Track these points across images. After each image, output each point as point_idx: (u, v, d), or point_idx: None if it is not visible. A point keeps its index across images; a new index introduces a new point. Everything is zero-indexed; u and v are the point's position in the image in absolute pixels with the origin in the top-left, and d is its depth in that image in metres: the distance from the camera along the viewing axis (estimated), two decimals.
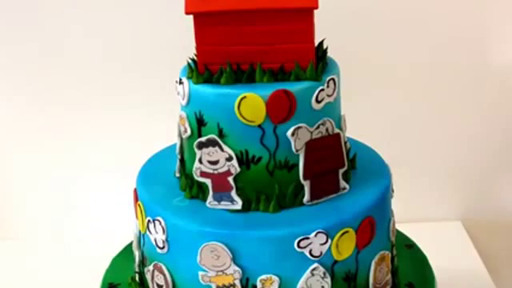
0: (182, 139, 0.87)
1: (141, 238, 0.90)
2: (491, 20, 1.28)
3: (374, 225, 0.83)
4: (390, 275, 0.88)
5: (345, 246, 0.80)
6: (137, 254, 0.93)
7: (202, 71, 0.81)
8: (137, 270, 0.94)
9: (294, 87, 0.79)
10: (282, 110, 0.79)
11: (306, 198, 0.82)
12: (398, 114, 1.35)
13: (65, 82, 1.33)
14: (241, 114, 0.78)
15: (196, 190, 0.84)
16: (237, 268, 0.78)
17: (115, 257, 1.02)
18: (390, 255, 0.88)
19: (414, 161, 1.39)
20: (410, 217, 1.24)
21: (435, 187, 1.43)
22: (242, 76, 0.80)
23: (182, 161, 0.89)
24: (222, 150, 0.80)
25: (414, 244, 1.02)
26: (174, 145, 0.96)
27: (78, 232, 1.44)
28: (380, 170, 0.90)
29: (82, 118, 1.36)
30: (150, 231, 0.84)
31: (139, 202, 0.87)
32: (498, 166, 1.41)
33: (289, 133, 0.79)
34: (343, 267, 0.81)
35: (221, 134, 0.80)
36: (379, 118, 1.33)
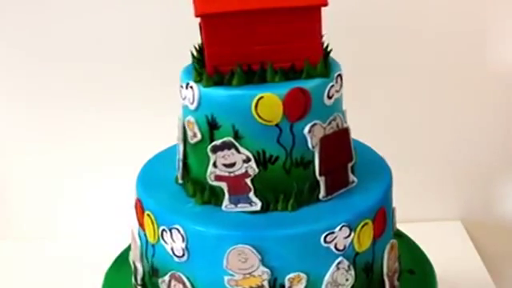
0: (186, 144, 0.86)
1: (148, 249, 0.87)
2: (491, 19, 1.30)
3: (385, 215, 0.85)
4: (397, 263, 0.91)
5: (365, 238, 0.82)
6: (139, 266, 0.90)
7: (212, 74, 0.80)
8: (139, 282, 0.91)
9: (308, 84, 0.79)
10: (298, 108, 0.79)
11: (322, 193, 0.82)
12: (398, 113, 1.36)
13: (64, 82, 1.33)
14: (258, 115, 0.78)
15: (208, 195, 0.83)
16: (265, 269, 0.78)
17: (108, 270, 0.99)
18: (396, 243, 0.90)
19: (414, 161, 1.39)
20: (410, 217, 1.22)
21: (435, 187, 1.43)
22: (254, 76, 0.80)
23: (185, 166, 0.87)
24: (238, 152, 0.79)
25: (402, 234, 1.04)
26: (169, 149, 0.95)
27: (77, 232, 1.43)
28: (378, 163, 0.91)
29: (81, 117, 1.35)
30: (164, 241, 0.82)
31: (148, 212, 0.84)
32: (498, 165, 1.42)
33: (306, 130, 0.79)
34: (363, 258, 0.83)
35: (236, 136, 0.79)
36: (379, 118, 1.33)
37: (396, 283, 0.89)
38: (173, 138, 0.90)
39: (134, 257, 0.91)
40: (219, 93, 0.79)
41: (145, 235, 0.87)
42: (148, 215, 0.84)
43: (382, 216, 0.85)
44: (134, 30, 1.29)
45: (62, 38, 1.30)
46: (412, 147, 1.39)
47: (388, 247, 0.87)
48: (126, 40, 1.30)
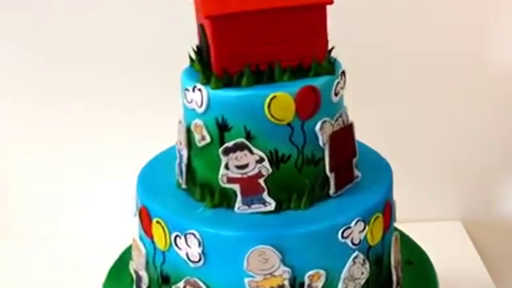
0: (190, 149, 0.85)
1: (156, 256, 0.85)
2: (491, 20, 1.31)
3: (391, 207, 0.87)
4: (400, 254, 0.92)
5: (377, 231, 0.83)
6: (144, 274, 0.88)
7: (220, 75, 0.79)
8: None
9: (317, 82, 0.80)
10: (309, 106, 0.79)
11: (332, 189, 0.83)
12: (398, 113, 1.36)
13: (64, 82, 1.33)
14: (271, 114, 0.78)
15: (218, 198, 0.82)
16: (286, 268, 0.78)
17: (105, 282, 0.96)
18: (399, 236, 0.92)
19: (414, 161, 1.39)
20: (410, 217, 1.20)
21: (435, 187, 1.44)
22: (262, 76, 0.80)
23: (189, 171, 0.86)
24: (251, 152, 0.79)
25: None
26: (163, 154, 0.96)
27: (77, 232, 1.44)
28: (376, 159, 0.93)
29: (81, 118, 1.36)
30: (178, 247, 0.81)
31: (157, 220, 0.83)
32: (497, 165, 1.42)
33: (317, 128, 0.80)
34: (375, 251, 0.84)
35: (248, 137, 0.79)
36: (379, 118, 1.33)
37: (400, 274, 0.91)
38: (173, 139, 0.89)
39: (138, 265, 0.90)
40: (230, 94, 0.79)
41: (152, 243, 0.85)
42: (158, 222, 0.83)
43: (389, 209, 0.86)
44: (134, 31, 1.30)
45: (63, 39, 1.30)
46: (412, 147, 1.39)
47: (393, 239, 0.89)
48: (126, 41, 1.31)
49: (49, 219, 1.45)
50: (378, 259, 0.85)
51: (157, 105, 1.27)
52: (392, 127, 1.37)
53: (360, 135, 0.89)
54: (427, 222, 1.41)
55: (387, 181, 0.88)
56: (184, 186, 0.87)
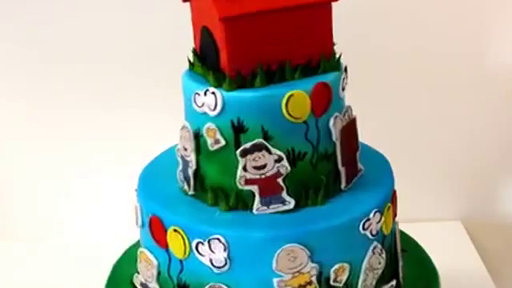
0: (198, 153, 0.83)
1: (172, 266, 0.83)
2: (491, 21, 1.31)
3: (396, 197, 0.90)
4: (401, 242, 0.95)
5: (389, 220, 0.86)
6: (155, 286, 0.86)
7: (233, 77, 0.79)
8: None
9: (328, 78, 0.81)
10: (323, 102, 0.80)
11: (344, 183, 0.85)
12: (398, 113, 1.35)
13: (65, 82, 1.33)
14: (288, 113, 0.78)
15: (234, 201, 0.82)
16: (313, 264, 0.78)
17: None
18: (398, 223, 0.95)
19: (414, 161, 1.38)
20: (410, 217, 1.17)
21: (435, 187, 1.43)
22: (274, 76, 0.80)
23: (196, 176, 0.84)
24: (269, 152, 0.79)
25: None
26: (159, 158, 0.94)
27: (78, 232, 1.44)
28: (374, 154, 0.95)
29: (82, 117, 1.36)
30: (200, 253, 0.79)
31: (174, 228, 0.81)
32: (498, 166, 1.42)
33: (331, 123, 0.81)
34: (387, 241, 0.87)
35: (266, 137, 0.79)
36: (379, 118, 1.32)
37: (402, 262, 0.94)
38: (172, 139, 0.88)
39: (147, 278, 0.87)
40: (246, 95, 0.78)
41: (166, 252, 0.83)
42: (175, 231, 0.81)
43: (396, 199, 0.89)
44: (134, 31, 1.29)
45: (63, 39, 1.30)
46: (412, 147, 1.38)
47: (397, 228, 0.91)
48: (126, 41, 1.29)
49: (49, 219, 1.44)
50: (390, 248, 0.88)
51: (157, 104, 1.28)
52: (391, 127, 1.36)
53: (360, 135, 0.90)
54: (427, 221, 1.41)
55: (389, 172, 0.90)
56: (191, 192, 0.85)
